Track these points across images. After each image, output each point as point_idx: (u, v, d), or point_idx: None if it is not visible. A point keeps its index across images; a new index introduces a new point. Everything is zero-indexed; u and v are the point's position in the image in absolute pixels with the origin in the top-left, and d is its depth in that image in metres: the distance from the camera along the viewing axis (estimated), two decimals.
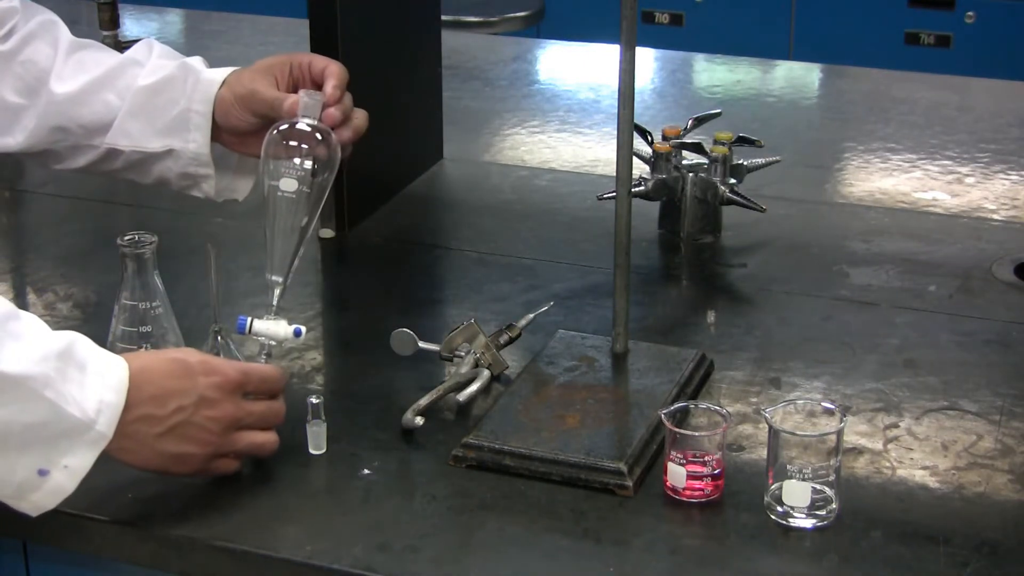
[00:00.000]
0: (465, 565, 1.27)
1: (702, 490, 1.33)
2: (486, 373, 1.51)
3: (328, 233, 1.90)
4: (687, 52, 2.77)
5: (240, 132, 1.55)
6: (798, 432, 1.31)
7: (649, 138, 1.90)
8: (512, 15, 3.82)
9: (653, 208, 1.90)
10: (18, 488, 1.25)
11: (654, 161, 1.86)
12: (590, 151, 2.21)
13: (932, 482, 1.38)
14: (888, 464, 1.40)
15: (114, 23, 2.41)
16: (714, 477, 1.33)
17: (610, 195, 1.56)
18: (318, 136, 1.46)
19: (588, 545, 1.29)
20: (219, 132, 1.56)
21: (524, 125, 2.34)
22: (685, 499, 1.34)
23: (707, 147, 1.85)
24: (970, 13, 3.68)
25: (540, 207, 2.02)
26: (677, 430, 1.33)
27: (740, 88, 2.55)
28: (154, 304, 1.45)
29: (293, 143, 1.45)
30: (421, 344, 1.56)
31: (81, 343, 1.27)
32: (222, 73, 1.56)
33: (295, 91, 1.51)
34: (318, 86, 1.51)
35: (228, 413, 1.32)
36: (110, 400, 1.25)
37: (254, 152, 1.52)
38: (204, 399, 1.30)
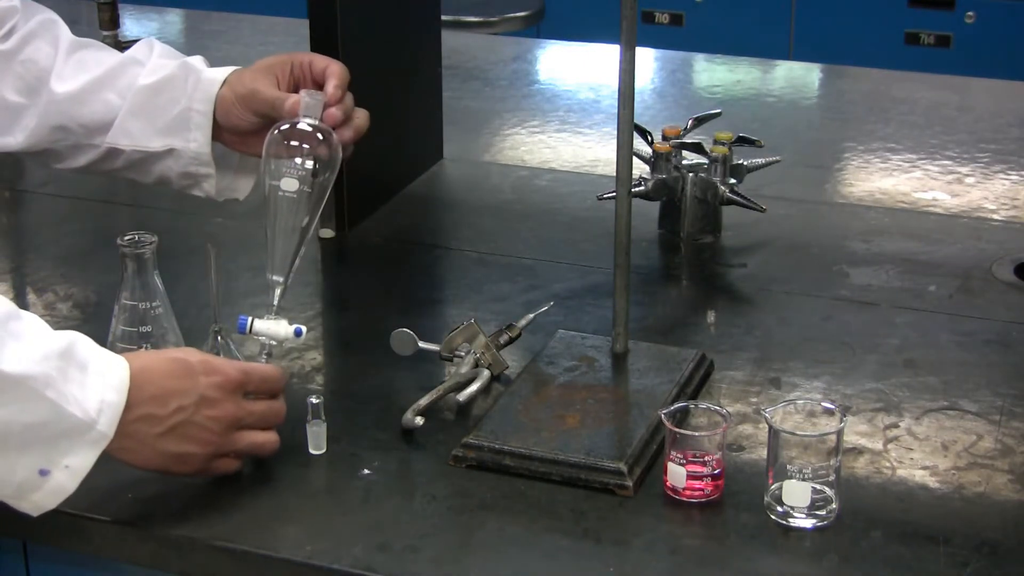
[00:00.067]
0: (465, 565, 1.27)
1: (702, 490, 1.33)
2: (486, 373, 1.51)
3: (328, 233, 1.90)
4: (687, 52, 2.76)
5: (241, 132, 1.55)
6: (798, 432, 1.31)
7: (649, 138, 1.90)
8: (512, 15, 3.82)
9: (653, 208, 1.90)
10: (19, 488, 1.25)
11: (654, 161, 1.86)
12: (590, 151, 2.21)
13: (932, 482, 1.38)
14: (888, 464, 1.40)
15: (114, 23, 2.41)
16: (714, 477, 1.33)
17: (610, 195, 1.56)
18: (319, 136, 1.46)
19: (588, 545, 1.29)
20: (220, 131, 1.56)
21: (524, 125, 2.34)
22: (685, 499, 1.34)
23: (707, 147, 1.85)
24: (970, 13, 3.68)
25: (540, 207, 2.02)
26: (677, 430, 1.33)
27: (740, 88, 2.55)
28: (154, 304, 1.45)
29: (294, 143, 1.45)
30: (421, 344, 1.56)
31: (82, 343, 1.27)
32: (223, 72, 1.56)
33: (296, 91, 1.51)
34: (319, 86, 1.51)
35: (229, 413, 1.32)
36: (111, 400, 1.25)
37: (255, 152, 1.52)
38: (205, 399, 1.30)
